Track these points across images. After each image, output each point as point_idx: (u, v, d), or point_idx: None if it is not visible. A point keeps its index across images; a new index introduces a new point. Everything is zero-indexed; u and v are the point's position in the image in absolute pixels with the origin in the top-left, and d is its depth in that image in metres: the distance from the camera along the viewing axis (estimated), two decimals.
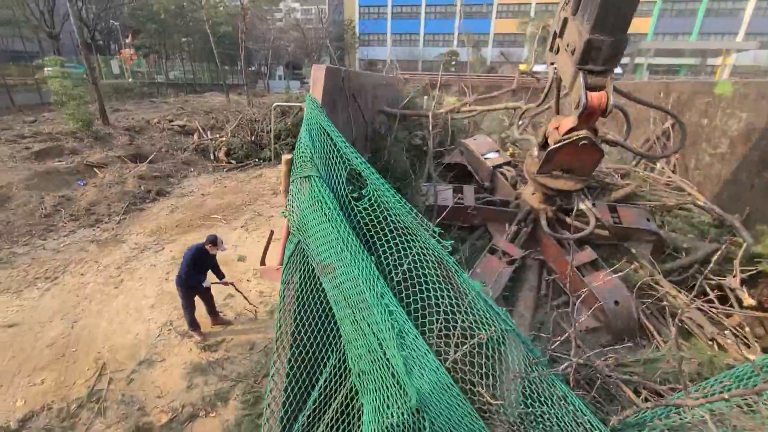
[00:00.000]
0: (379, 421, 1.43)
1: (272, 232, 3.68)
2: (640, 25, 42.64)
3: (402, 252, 2.09)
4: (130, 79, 27.59)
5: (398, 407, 1.38)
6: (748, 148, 3.80)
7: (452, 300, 1.98)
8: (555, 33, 3.72)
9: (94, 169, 10.79)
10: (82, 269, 6.46)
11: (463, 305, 1.96)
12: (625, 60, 36.07)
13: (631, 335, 3.40)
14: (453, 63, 40.69)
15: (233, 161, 13.21)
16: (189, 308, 4.79)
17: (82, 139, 12.41)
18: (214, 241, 4.66)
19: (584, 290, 3.44)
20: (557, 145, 3.60)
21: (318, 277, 2.18)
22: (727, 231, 3.85)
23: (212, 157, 13.58)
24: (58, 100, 12.66)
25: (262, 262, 3.58)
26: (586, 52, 3.19)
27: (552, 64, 3.87)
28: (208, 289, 4.95)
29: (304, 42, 39.86)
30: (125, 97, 23.43)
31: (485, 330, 1.91)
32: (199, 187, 11.03)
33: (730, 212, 3.90)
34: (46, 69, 14.04)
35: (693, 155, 4.62)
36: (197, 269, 4.70)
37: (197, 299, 4.92)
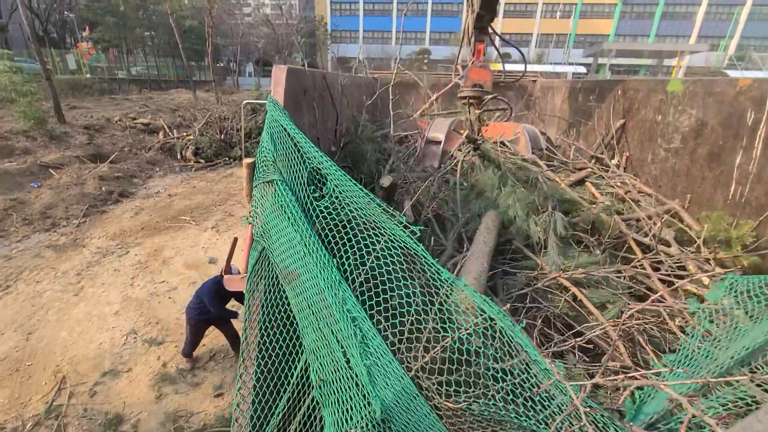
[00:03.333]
0: None
1: (236, 239, 3.58)
2: (602, 26, 44.52)
3: (365, 249, 2.03)
4: (88, 75, 26.05)
5: (361, 418, 1.34)
6: (698, 143, 4.01)
7: (421, 297, 1.94)
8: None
9: (50, 170, 10.14)
10: (37, 276, 6.06)
11: (435, 300, 1.90)
12: (588, 60, 37.55)
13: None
14: (425, 61, 41.00)
15: (202, 160, 12.78)
16: (195, 340, 4.31)
17: (35, 138, 11.63)
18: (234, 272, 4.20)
19: None
20: (469, 65, 5.88)
21: (283, 285, 2.12)
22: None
23: (179, 157, 13.08)
24: (6, 96, 11.79)
25: (227, 271, 3.47)
26: (478, 19, 5.52)
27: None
28: (228, 320, 4.39)
29: (275, 38, 39.03)
30: (83, 93, 22.11)
31: (456, 328, 1.84)
32: (165, 187, 10.58)
33: (683, 204, 4.12)
34: None
35: (650, 150, 4.87)
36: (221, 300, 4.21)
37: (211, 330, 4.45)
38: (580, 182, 5.03)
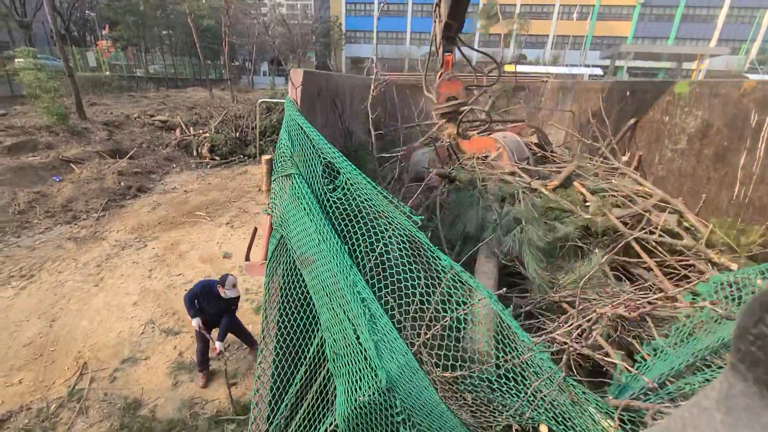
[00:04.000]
0: (351, 400, 1.55)
1: (255, 229, 3.69)
2: (620, 28, 43.81)
3: (374, 237, 2.19)
4: (107, 72, 26.69)
5: (369, 387, 1.49)
6: (704, 144, 4.03)
7: (423, 281, 2.09)
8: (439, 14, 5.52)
9: (71, 164, 10.46)
10: (59, 267, 6.28)
11: (437, 285, 2.07)
12: (606, 62, 37.02)
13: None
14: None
15: (217, 158, 13.01)
16: (202, 348, 4.13)
17: (57, 134, 12.00)
18: (223, 281, 3.92)
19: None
20: (438, 81, 5.75)
21: (299, 270, 2.30)
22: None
23: (195, 154, 13.34)
24: (31, 93, 12.18)
25: (247, 258, 3.58)
26: (446, 28, 5.38)
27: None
28: (227, 318, 4.14)
29: (290, 38, 39.42)
30: (103, 90, 22.67)
31: (455, 309, 2.03)
32: (181, 183, 10.82)
33: (690, 204, 4.08)
34: (17, 60, 13.47)
35: (657, 151, 4.89)
36: (201, 305, 4.02)
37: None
38: (568, 181, 4.85)
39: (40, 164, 9.96)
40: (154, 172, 11.40)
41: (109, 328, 4.92)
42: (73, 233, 7.48)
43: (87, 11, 36.08)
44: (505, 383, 1.91)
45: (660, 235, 3.51)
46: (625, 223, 3.82)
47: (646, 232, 3.57)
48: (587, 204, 4.18)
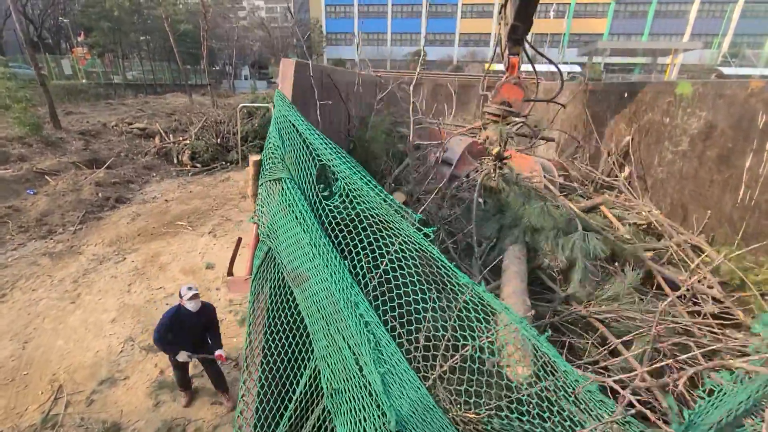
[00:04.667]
0: None
1: (240, 240, 3.53)
2: (596, 26, 44.67)
3: (379, 251, 1.93)
4: (83, 80, 25.97)
5: (376, 429, 1.27)
6: (707, 146, 3.93)
7: (438, 303, 1.85)
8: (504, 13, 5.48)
9: (46, 176, 10.10)
10: (33, 284, 6.02)
11: (453, 307, 1.81)
12: (583, 59, 37.63)
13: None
14: (422, 63, 41.05)
15: (198, 165, 12.75)
16: (180, 376, 3.86)
17: (30, 145, 11.58)
18: (180, 294, 3.60)
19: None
20: (501, 82, 5.43)
21: (290, 288, 2.04)
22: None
23: (176, 161, 13.04)
24: (1, 103, 11.74)
25: (230, 273, 3.38)
26: (512, 31, 5.18)
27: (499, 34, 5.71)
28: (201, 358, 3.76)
29: (270, 41, 39.01)
30: (79, 98, 22.03)
31: (476, 337, 1.73)
32: (162, 192, 10.55)
33: (692, 208, 4.05)
34: None
35: (656, 153, 4.79)
36: (177, 337, 3.63)
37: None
38: (594, 208, 4.87)
39: (12, 177, 9.59)
40: (133, 182, 11.10)
41: (86, 347, 4.72)
42: (49, 248, 7.20)
43: (60, 18, 35.07)
44: (548, 421, 1.58)
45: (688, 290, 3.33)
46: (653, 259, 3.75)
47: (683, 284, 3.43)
48: (614, 228, 4.20)
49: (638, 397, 1.72)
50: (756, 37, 42.29)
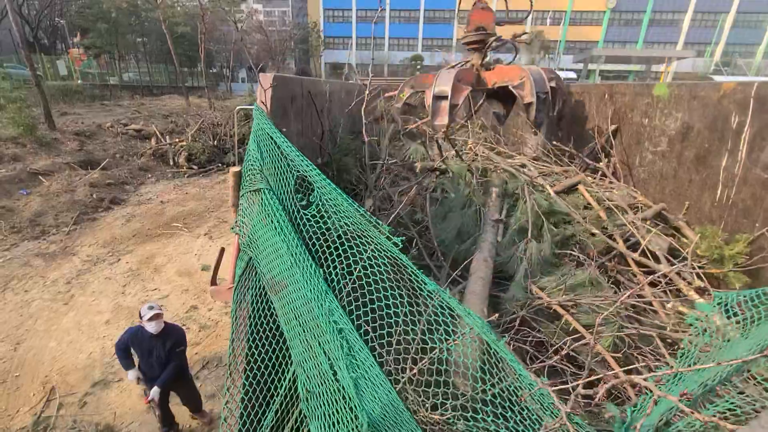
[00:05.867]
0: None
1: (222, 249, 3.51)
2: (591, 33, 45.22)
3: (352, 258, 2.00)
4: (79, 81, 25.86)
5: (348, 431, 1.33)
6: (685, 146, 4.03)
7: (408, 308, 1.91)
8: None
9: (39, 177, 10.01)
10: (25, 285, 5.96)
11: (423, 312, 1.89)
12: (579, 66, 38.07)
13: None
14: (418, 67, 41.28)
15: (195, 166, 12.71)
16: (162, 414, 3.47)
17: (24, 145, 11.49)
18: (140, 314, 3.28)
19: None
20: (471, 9, 5.42)
21: (270, 296, 2.10)
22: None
23: (172, 163, 12.99)
24: None
25: (213, 282, 3.36)
26: None
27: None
28: (181, 380, 3.51)
29: (268, 44, 39.09)
30: (74, 99, 21.91)
31: (444, 339, 1.84)
32: (157, 194, 10.49)
33: (672, 207, 4.14)
34: None
35: (637, 153, 4.87)
36: (144, 364, 3.33)
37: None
38: (573, 187, 4.99)
39: (5, 177, 9.50)
40: (128, 183, 11.04)
41: (79, 349, 4.67)
42: (42, 249, 7.13)
43: (57, 18, 34.96)
44: (502, 421, 1.71)
45: (641, 255, 3.52)
46: (612, 238, 3.83)
47: (631, 250, 3.59)
48: (587, 208, 4.23)
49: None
50: (747, 46, 43.06)
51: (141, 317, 3.23)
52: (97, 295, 5.76)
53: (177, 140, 13.99)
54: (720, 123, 3.60)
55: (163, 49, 32.48)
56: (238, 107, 6.46)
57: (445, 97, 5.12)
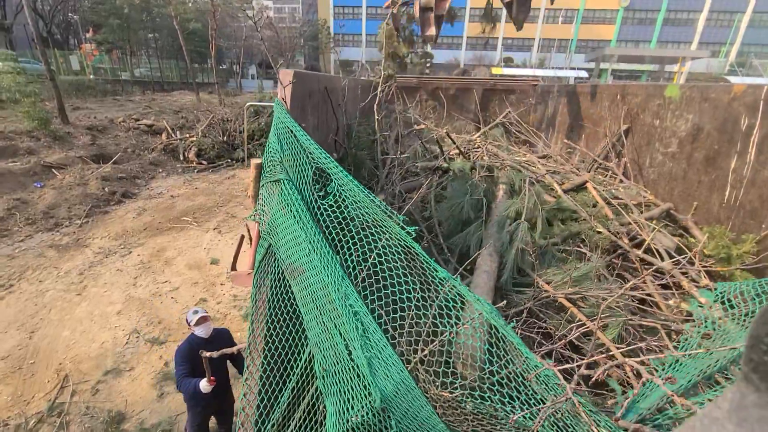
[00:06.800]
0: (342, 421, 1.46)
1: (242, 237, 3.59)
2: (604, 32, 44.64)
3: (367, 246, 2.11)
4: (91, 76, 26.23)
5: (362, 407, 1.40)
6: (695, 148, 4.05)
7: (420, 294, 2.00)
8: None
9: (53, 170, 10.20)
10: (40, 276, 6.09)
11: (435, 298, 1.98)
12: (591, 65, 37.63)
13: None
14: (428, 65, 41.14)
15: (204, 162, 12.84)
16: (194, 416, 3.23)
17: (38, 139, 11.70)
18: (187, 320, 3.19)
19: None
20: None
21: (288, 281, 2.19)
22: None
23: (182, 158, 13.14)
24: (10, 97, 11.88)
25: (233, 268, 3.40)
26: None
27: None
28: (225, 400, 3.35)
29: (278, 41, 39.25)
30: (86, 94, 22.22)
31: (454, 323, 1.94)
32: (168, 188, 10.63)
33: (681, 207, 4.13)
34: None
35: (647, 154, 4.90)
36: (198, 372, 3.03)
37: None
38: (582, 186, 4.97)
39: (20, 170, 9.69)
40: (139, 177, 11.19)
41: (91, 338, 4.77)
42: (55, 241, 7.28)
43: (70, 14, 35.44)
44: (509, 400, 1.79)
45: (646, 252, 3.52)
46: (617, 235, 3.84)
47: (635, 246, 3.60)
48: (595, 206, 4.25)
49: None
50: (763, 46, 42.20)
51: (189, 324, 3.14)
52: (109, 286, 5.87)
53: (187, 136, 14.14)
54: (730, 125, 3.61)
55: (174, 45, 32.79)
56: (248, 103, 6.54)
57: (431, 8, 5.25)
